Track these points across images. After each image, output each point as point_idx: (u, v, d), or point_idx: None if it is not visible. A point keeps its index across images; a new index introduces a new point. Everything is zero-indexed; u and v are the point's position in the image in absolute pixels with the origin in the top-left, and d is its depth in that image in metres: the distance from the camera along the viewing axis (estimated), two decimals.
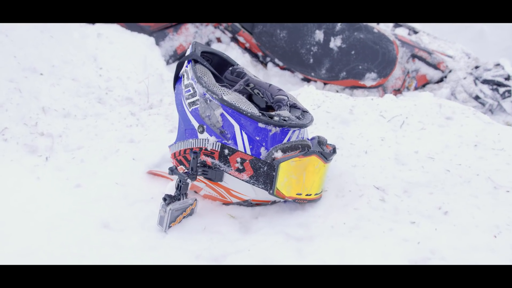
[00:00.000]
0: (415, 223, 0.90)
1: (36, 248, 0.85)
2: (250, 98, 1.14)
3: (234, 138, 0.92)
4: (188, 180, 0.93)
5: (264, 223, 0.95)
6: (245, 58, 2.31)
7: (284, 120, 0.93)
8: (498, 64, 2.36)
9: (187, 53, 1.05)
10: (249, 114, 0.90)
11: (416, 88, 2.40)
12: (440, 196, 0.99)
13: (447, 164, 1.12)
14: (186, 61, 1.03)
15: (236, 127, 0.91)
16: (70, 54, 1.70)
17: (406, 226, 0.89)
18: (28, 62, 1.52)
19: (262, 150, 0.91)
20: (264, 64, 2.37)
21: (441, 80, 2.42)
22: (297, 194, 0.93)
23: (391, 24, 2.73)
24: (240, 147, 0.92)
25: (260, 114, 0.91)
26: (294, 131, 0.94)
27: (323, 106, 1.42)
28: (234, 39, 2.36)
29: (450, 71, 2.40)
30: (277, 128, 0.92)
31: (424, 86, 2.43)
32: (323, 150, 0.95)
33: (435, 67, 2.38)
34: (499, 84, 2.28)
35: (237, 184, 0.95)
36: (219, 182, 0.96)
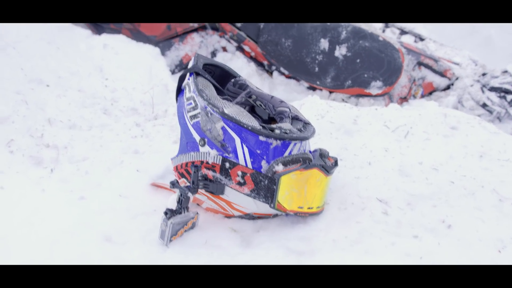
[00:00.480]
0: (418, 237, 0.89)
1: (38, 262, 0.85)
2: (252, 110, 1.14)
3: (235, 152, 0.92)
4: (189, 194, 0.93)
5: (265, 237, 0.95)
6: (250, 67, 2.31)
7: (285, 133, 0.92)
8: (505, 71, 2.33)
9: (189, 65, 1.06)
10: (250, 128, 0.90)
11: (422, 96, 2.38)
12: (443, 208, 0.98)
13: (451, 175, 1.10)
14: (188, 74, 1.04)
15: (237, 141, 0.91)
16: (77, 65, 1.71)
17: (409, 240, 0.88)
18: (35, 73, 1.54)
19: (263, 163, 0.91)
20: (270, 73, 2.37)
21: (448, 87, 2.39)
22: (298, 208, 0.93)
23: (397, 31, 2.72)
24: (241, 161, 0.91)
25: (261, 127, 0.91)
26: (296, 143, 0.94)
27: (327, 116, 1.41)
28: (240, 48, 2.36)
29: (457, 79, 2.37)
30: (278, 141, 0.92)
31: (430, 94, 2.40)
32: (325, 163, 0.95)
33: (442, 74, 2.35)
34: (507, 92, 2.25)
35: (238, 197, 0.95)
36: (220, 196, 0.96)
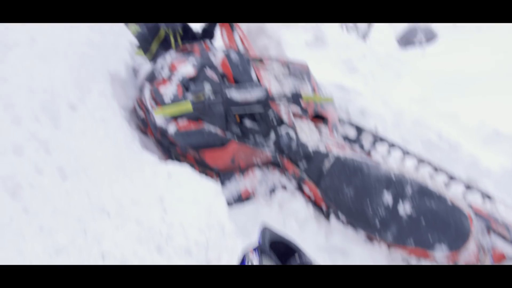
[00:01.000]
0: None
1: None
2: None
3: None
4: None
5: None
6: (308, 210, 2.25)
7: None
8: None
9: (258, 237, 1.01)
10: None
11: None
12: None
13: None
14: (252, 249, 0.99)
15: None
16: (139, 194, 1.73)
17: None
18: (99, 201, 1.56)
19: None
20: (327, 217, 2.29)
21: None
22: None
23: (461, 188, 2.60)
24: None
25: None
26: None
27: None
28: (299, 189, 2.34)
29: None
30: None
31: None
32: None
33: None
34: None
35: None
36: None
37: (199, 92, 2.00)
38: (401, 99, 3.93)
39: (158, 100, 2.23)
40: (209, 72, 2.26)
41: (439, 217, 2.06)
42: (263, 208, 2.28)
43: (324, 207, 2.28)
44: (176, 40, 3.53)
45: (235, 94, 2.01)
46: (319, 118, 2.56)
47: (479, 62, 5.11)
